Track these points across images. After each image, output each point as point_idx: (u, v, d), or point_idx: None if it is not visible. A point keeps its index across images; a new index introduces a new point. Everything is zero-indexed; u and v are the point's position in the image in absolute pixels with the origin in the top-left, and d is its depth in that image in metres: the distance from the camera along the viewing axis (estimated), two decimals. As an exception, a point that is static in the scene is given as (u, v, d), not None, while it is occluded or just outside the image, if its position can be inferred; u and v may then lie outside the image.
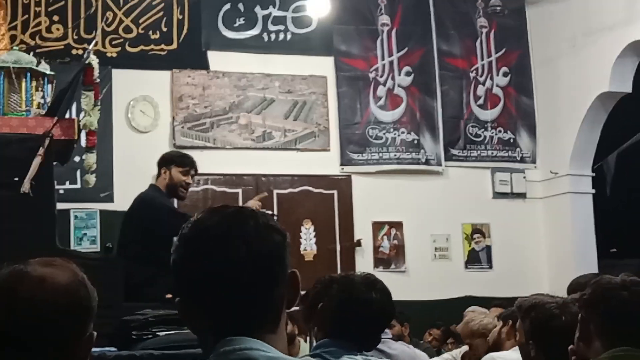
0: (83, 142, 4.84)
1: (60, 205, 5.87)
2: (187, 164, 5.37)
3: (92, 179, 4.78)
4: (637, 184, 10.83)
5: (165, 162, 5.38)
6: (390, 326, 5.85)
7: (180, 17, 9.18)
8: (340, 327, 2.78)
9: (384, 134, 9.69)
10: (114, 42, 8.90)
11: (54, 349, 1.64)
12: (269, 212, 5.39)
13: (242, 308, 1.44)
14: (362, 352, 2.77)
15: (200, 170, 5.64)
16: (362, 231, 9.46)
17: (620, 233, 11.20)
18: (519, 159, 10.19)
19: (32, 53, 4.86)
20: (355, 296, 2.79)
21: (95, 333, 1.72)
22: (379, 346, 3.14)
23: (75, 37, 8.73)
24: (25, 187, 4.01)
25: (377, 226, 9.55)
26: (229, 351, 1.41)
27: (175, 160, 5.38)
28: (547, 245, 9.98)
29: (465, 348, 5.22)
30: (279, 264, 1.48)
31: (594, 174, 9.89)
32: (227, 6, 9.40)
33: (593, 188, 9.86)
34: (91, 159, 4.67)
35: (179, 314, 1.50)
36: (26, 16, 8.63)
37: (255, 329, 1.44)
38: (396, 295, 3.09)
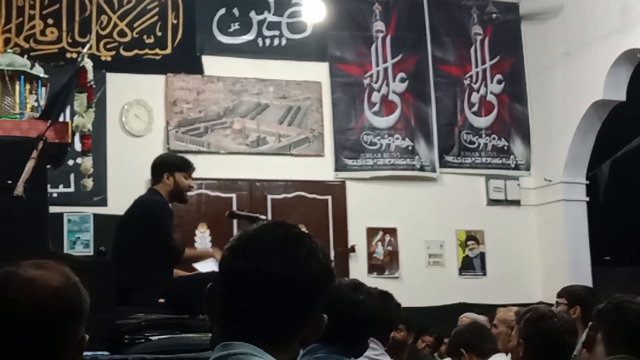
0: (77, 146, 4.82)
1: (53, 209, 5.87)
2: (190, 168, 5.33)
3: (89, 182, 4.75)
4: (630, 192, 10.84)
5: (168, 167, 5.25)
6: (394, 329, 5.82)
7: (175, 21, 9.17)
8: (328, 331, 2.79)
9: (379, 140, 9.69)
10: (108, 46, 8.89)
11: (43, 352, 1.62)
12: (263, 216, 5.38)
13: (257, 320, 1.47)
14: (350, 358, 2.78)
15: (194, 175, 5.63)
16: (356, 237, 9.45)
17: (614, 241, 11.21)
18: (513, 166, 10.20)
19: (26, 56, 4.86)
20: (340, 298, 2.78)
21: (87, 336, 1.70)
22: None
23: (70, 40, 8.72)
24: (19, 190, 3.99)
25: (371, 232, 9.54)
26: (223, 356, 1.43)
27: (180, 165, 5.28)
28: (541, 252, 9.98)
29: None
30: (311, 298, 1.50)
31: (587, 182, 9.91)
32: (222, 11, 9.39)
33: (587, 196, 9.87)
34: (87, 162, 4.64)
35: (205, 300, 1.52)
36: (20, 19, 8.60)
37: (261, 344, 1.45)
38: (389, 301, 3.11)
